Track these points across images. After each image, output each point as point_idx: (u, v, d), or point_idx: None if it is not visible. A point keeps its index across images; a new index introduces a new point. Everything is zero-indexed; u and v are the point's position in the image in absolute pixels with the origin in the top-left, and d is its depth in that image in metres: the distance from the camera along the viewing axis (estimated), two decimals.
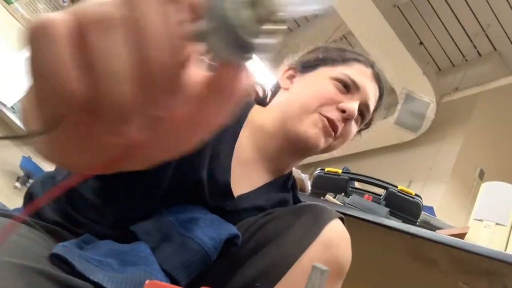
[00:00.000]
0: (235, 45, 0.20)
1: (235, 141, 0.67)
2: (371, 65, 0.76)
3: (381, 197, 1.13)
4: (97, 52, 0.21)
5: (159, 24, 0.21)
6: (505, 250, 0.96)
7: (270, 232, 0.59)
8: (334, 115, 0.69)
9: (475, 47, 4.14)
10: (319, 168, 1.23)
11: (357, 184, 1.24)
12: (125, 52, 0.21)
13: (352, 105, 0.69)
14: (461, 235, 1.07)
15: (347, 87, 0.71)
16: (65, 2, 3.32)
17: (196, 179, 0.59)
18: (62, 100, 0.21)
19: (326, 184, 1.17)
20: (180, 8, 0.21)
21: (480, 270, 0.92)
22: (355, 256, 1.11)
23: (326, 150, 0.73)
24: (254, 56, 0.21)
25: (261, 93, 0.80)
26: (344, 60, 0.74)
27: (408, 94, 4.00)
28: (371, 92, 0.74)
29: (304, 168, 1.36)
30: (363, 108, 0.73)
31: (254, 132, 0.70)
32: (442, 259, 0.95)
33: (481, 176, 3.78)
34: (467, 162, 3.87)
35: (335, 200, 1.10)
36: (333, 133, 0.69)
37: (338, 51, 0.76)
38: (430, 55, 4.36)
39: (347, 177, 1.20)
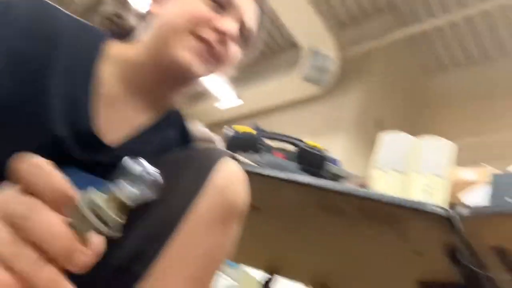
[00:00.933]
0: (99, 221, 0.32)
1: (89, 79, 0.59)
2: None
3: (292, 153, 1.15)
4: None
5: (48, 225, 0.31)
6: (403, 196, 1.02)
7: None
8: (210, 36, 0.63)
9: (374, 2, 4.31)
10: (227, 127, 1.21)
11: (267, 142, 1.24)
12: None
13: (228, 24, 0.65)
14: (364, 184, 1.13)
15: (221, 5, 0.66)
16: None
17: (52, 135, 0.52)
18: None
19: (237, 143, 1.16)
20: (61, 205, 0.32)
21: (382, 216, 0.97)
22: (270, 214, 1.13)
23: (207, 74, 0.67)
24: None
25: (118, 22, 0.71)
26: None
27: (312, 50, 4.08)
28: (248, 9, 0.69)
29: (213, 126, 1.33)
30: (241, 28, 0.69)
31: (120, 65, 0.63)
32: (349, 208, 0.99)
33: (381, 127, 4.06)
34: (368, 114, 4.12)
35: (246, 160, 1.09)
36: (210, 56, 0.64)
37: None
38: (332, 10, 4.46)
39: (257, 135, 1.19)
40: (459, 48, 4.52)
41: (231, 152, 0.59)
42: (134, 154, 0.58)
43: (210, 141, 0.89)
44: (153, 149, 0.62)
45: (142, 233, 0.52)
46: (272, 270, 1.48)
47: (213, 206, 0.54)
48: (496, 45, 4.37)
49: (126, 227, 0.53)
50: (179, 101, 0.71)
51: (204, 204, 0.54)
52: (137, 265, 0.51)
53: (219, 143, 0.97)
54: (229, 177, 0.56)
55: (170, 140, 0.67)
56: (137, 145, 0.61)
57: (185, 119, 0.72)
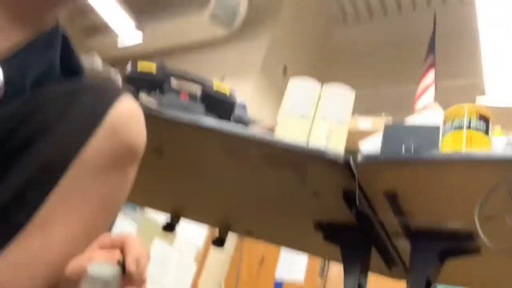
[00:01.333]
0: None
1: None
2: None
3: (199, 95, 1.10)
4: None
5: None
6: (308, 142, 1.05)
7: (38, 125, 0.47)
8: None
9: None
10: (130, 64, 1.12)
11: (174, 82, 1.18)
12: None
13: None
14: (270, 130, 1.14)
15: None
16: None
17: None
18: None
19: (139, 82, 1.08)
20: None
21: (285, 161, 0.99)
22: (174, 157, 1.09)
23: None
24: None
25: None
26: None
27: None
28: None
29: (113, 62, 1.22)
30: None
31: None
32: (254, 154, 0.99)
33: (288, 74, 4.13)
34: (276, 60, 4.15)
35: (149, 100, 1.03)
36: None
37: None
38: None
39: (162, 74, 1.12)
40: (362, 1, 4.67)
41: (129, 89, 0.53)
42: (2, 85, 0.49)
43: (106, 76, 0.80)
44: (28, 78, 0.53)
45: (22, 176, 0.45)
46: (176, 212, 1.47)
47: (106, 149, 0.49)
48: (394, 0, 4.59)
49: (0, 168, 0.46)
50: (58, 19, 0.59)
51: (96, 146, 0.48)
52: (16, 213, 0.45)
53: (118, 80, 0.89)
54: (125, 117, 0.50)
55: (51, 68, 0.57)
56: (6, 73, 0.51)
57: (71, 43, 0.62)
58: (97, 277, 0.36)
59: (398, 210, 1.00)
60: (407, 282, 1.01)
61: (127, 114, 0.51)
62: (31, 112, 0.48)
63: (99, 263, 0.38)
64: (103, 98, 0.50)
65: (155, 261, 2.71)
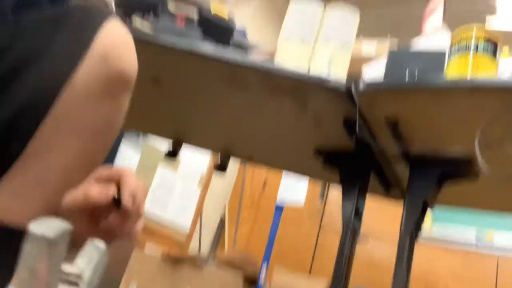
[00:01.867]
0: None
1: None
2: None
3: (194, 19, 1.06)
4: None
5: None
6: (309, 67, 1.02)
7: (24, 53, 0.46)
8: None
9: None
10: None
11: (168, 4, 1.13)
12: None
13: None
14: (271, 56, 1.11)
15: None
16: None
17: None
18: None
19: (132, 4, 1.03)
20: None
21: (286, 88, 0.97)
22: (172, 86, 1.07)
23: None
24: None
25: None
26: None
27: None
28: None
29: None
30: None
31: None
32: (254, 81, 0.97)
33: None
34: None
35: (143, 25, 0.99)
36: None
37: None
38: None
39: None
40: None
41: (118, 13, 0.50)
42: None
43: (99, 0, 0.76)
44: (7, 0, 0.50)
45: (12, 106, 0.45)
46: (178, 138, 1.47)
47: (96, 76, 0.47)
48: None
49: None
50: None
51: (85, 74, 0.46)
52: (10, 143, 0.45)
53: (110, 3, 0.84)
54: (117, 44, 0.48)
55: None
56: None
57: None
58: (40, 236, 0.32)
59: (398, 137, 0.99)
60: (404, 204, 1.03)
61: (116, 39, 0.48)
62: (15, 39, 0.46)
63: (44, 220, 0.34)
64: (90, 23, 0.47)
65: (160, 187, 2.78)
